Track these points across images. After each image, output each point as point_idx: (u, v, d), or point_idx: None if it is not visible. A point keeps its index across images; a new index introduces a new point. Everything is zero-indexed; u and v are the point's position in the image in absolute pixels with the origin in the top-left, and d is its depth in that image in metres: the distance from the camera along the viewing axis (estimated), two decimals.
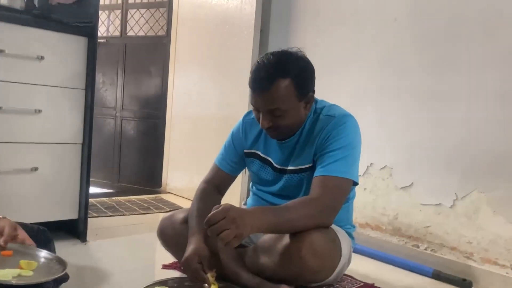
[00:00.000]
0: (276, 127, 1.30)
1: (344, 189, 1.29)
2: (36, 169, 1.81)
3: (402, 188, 2.06)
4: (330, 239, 1.25)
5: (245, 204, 1.72)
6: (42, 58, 1.77)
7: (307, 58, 1.33)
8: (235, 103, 2.74)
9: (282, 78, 1.24)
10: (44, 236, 1.25)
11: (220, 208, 1.08)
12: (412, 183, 2.02)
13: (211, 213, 1.08)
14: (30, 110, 1.77)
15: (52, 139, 1.85)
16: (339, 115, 1.35)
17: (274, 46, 2.70)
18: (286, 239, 1.21)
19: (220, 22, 2.87)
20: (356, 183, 1.32)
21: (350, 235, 1.46)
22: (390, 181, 2.11)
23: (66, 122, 1.88)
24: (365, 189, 2.18)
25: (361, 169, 2.15)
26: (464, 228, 1.85)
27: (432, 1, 1.98)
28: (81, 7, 1.96)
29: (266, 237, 1.30)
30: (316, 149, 1.34)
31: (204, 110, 3.03)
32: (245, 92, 2.64)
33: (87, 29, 1.87)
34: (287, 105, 1.26)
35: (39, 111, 1.79)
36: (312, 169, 1.34)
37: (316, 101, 1.40)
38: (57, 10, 2.03)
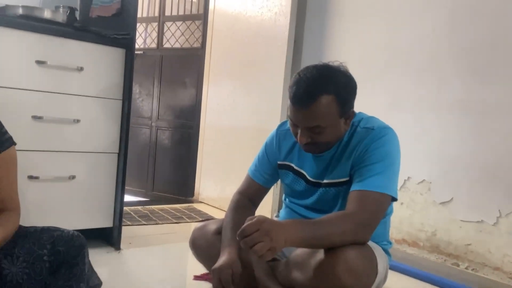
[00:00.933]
0: (313, 143, 1.28)
1: (382, 205, 1.24)
2: (73, 177, 1.85)
3: (441, 203, 1.98)
4: (366, 256, 1.20)
5: (277, 216, 1.70)
6: (81, 69, 1.83)
7: (349, 73, 1.29)
8: (267, 114, 2.73)
9: (324, 94, 1.20)
10: (78, 241, 1.25)
11: (254, 220, 1.06)
12: (452, 198, 1.94)
13: (245, 224, 1.06)
14: (69, 119, 1.82)
15: (89, 148, 1.89)
16: (378, 128, 1.31)
17: (308, 56, 2.68)
18: (320, 254, 1.17)
19: (254, 33, 2.89)
20: (395, 199, 1.28)
21: (386, 251, 1.41)
22: (428, 196, 2.03)
23: (103, 131, 1.92)
24: (402, 203, 2.11)
25: (398, 183, 2.08)
26: (508, 247, 1.75)
27: (474, 8, 1.91)
28: (119, 20, 2.02)
29: (299, 251, 1.27)
30: (353, 163, 1.30)
31: (237, 120, 3.03)
32: (278, 103, 2.65)
33: (125, 41, 1.92)
34: (327, 122, 1.23)
35: (78, 120, 1.84)
36: (349, 183, 1.30)
37: (354, 113, 1.36)
38: (97, 23, 2.10)
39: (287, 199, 1.54)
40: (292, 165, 1.45)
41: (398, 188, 2.11)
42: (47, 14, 1.84)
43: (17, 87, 1.69)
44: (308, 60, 2.68)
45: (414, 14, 2.14)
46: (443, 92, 2.00)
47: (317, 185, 1.38)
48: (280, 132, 1.51)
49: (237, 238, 1.06)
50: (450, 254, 1.94)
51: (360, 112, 1.40)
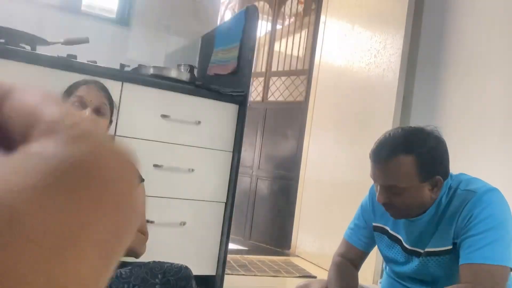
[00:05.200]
0: (391, 205, 1.21)
1: (502, 278, 1.11)
2: (184, 223, 1.96)
3: None
4: None
5: (380, 283, 1.60)
6: (199, 123, 1.97)
7: (441, 138, 1.23)
8: None
9: (404, 154, 1.16)
10: (186, 273, 1.34)
11: None
12: None
13: None
14: (185, 169, 1.95)
15: (200, 196, 2.00)
16: (481, 190, 1.19)
17: (418, 112, 2.59)
18: None
19: (360, 89, 2.89)
20: None
21: None
22: None
23: (213, 181, 2.02)
24: None
25: None
26: None
27: None
28: (234, 78, 2.16)
29: None
30: (456, 230, 1.19)
31: (339, 175, 2.99)
32: None
33: (239, 98, 2.04)
34: (404, 184, 1.16)
35: (192, 170, 1.97)
36: (452, 252, 1.20)
37: (451, 175, 1.27)
38: (214, 81, 2.27)
39: (387, 267, 1.46)
40: (387, 228, 1.38)
41: None
42: (173, 73, 2.04)
43: (144, 138, 1.87)
44: (418, 116, 2.59)
45: None
46: None
47: (415, 253, 1.28)
48: (374, 192, 1.45)
49: None
50: None
51: (461, 173, 1.30)
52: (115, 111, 1.55)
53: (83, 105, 1.30)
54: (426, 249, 1.25)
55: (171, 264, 1.33)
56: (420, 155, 1.16)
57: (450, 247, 1.21)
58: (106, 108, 1.36)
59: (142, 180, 1.44)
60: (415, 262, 1.29)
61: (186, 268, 1.33)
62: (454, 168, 1.27)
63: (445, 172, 1.22)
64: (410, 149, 1.16)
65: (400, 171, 1.16)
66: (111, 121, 1.44)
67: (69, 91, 1.35)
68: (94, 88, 1.35)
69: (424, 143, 1.18)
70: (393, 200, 1.19)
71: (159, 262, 1.33)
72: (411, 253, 1.29)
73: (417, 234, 1.28)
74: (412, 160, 1.15)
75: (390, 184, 1.18)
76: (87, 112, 1.29)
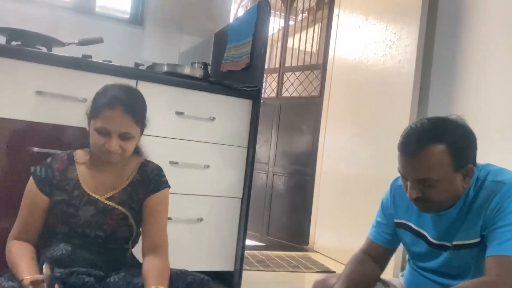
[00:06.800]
0: (425, 199, 1.17)
1: None
2: (201, 219, 1.97)
3: None
4: None
5: (402, 275, 1.57)
6: (213, 119, 1.98)
7: (468, 126, 1.18)
8: (388, 164, 2.60)
9: (436, 143, 1.11)
10: (207, 286, 1.32)
11: None
12: None
13: None
14: (200, 165, 1.96)
15: (216, 192, 2.00)
16: (510, 182, 1.16)
17: (435, 104, 2.55)
18: None
19: (375, 82, 2.85)
20: None
21: None
22: None
23: (228, 177, 2.03)
24: None
25: None
26: None
27: None
28: (248, 73, 2.16)
29: None
30: (484, 222, 1.16)
31: (355, 169, 2.96)
32: None
33: (253, 93, 2.04)
34: (439, 175, 1.12)
35: (208, 166, 1.97)
36: (480, 244, 1.16)
37: (477, 166, 1.23)
38: (226, 76, 2.27)
39: (410, 260, 1.43)
40: (410, 224, 1.34)
41: None
42: (187, 70, 2.05)
43: (159, 135, 1.88)
44: (435, 108, 2.55)
45: None
46: None
47: (442, 247, 1.25)
48: (395, 188, 1.41)
49: None
50: None
51: (488, 164, 1.26)
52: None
53: (107, 132, 1.24)
54: (454, 242, 1.22)
55: (194, 276, 1.30)
56: (452, 143, 1.12)
57: (478, 239, 1.17)
58: (133, 131, 1.28)
59: (168, 186, 1.41)
60: (442, 256, 1.25)
61: (208, 281, 1.30)
62: None
63: (475, 161, 1.19)
64: (441, 137, 1.12)
65: (433, 162, 1.11)
66: (141, 132, 1.36)
67: (96, 108, 1.27)
68: (119, 114, 1.24)
69: (454, 131, 1.14)
70: (427, 194, 1.14)
71: (181, 272, 1.30)
72: (438, 248, 1.26)
73: (445, 228, 1.24)
74: (444, 148, 1.11)
75: (423, 177, 1.13)
76: (113, 141, 1.24)
